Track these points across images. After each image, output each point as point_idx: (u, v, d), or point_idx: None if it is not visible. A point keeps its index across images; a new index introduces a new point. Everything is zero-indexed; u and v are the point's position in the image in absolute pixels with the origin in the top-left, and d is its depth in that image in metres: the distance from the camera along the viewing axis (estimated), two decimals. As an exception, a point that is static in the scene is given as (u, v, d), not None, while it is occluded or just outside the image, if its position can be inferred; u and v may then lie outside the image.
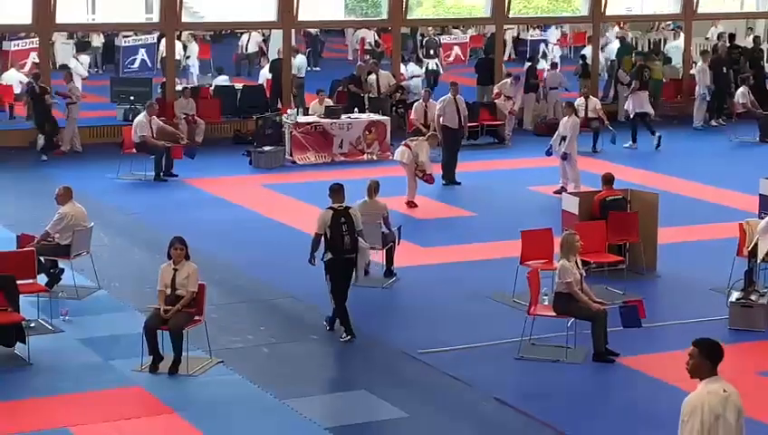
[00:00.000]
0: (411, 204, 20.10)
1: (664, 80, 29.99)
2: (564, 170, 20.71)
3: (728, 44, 30.91)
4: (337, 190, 14.00)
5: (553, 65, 30.13)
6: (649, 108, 26.29)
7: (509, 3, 29.00)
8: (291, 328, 14.17)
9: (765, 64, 31.45)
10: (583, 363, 12.79)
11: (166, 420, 11.37)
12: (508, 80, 27.25)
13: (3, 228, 17.99)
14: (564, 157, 20.62)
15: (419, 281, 15.88)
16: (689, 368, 7.95)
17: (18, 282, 13.11)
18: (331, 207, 13.82)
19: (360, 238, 13.76)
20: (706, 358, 7.91)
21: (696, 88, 28.55)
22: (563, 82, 28.80)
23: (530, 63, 29.41)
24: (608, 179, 16.40)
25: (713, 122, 28.71)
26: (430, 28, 36.25)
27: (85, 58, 33.89)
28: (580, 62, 31.01)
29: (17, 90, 27.05)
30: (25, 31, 29.63)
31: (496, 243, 17.40)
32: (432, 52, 32.62)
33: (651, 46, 35.25)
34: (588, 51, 31.21)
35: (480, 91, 28.87)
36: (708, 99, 28.37)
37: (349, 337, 13.55)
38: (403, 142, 20.73)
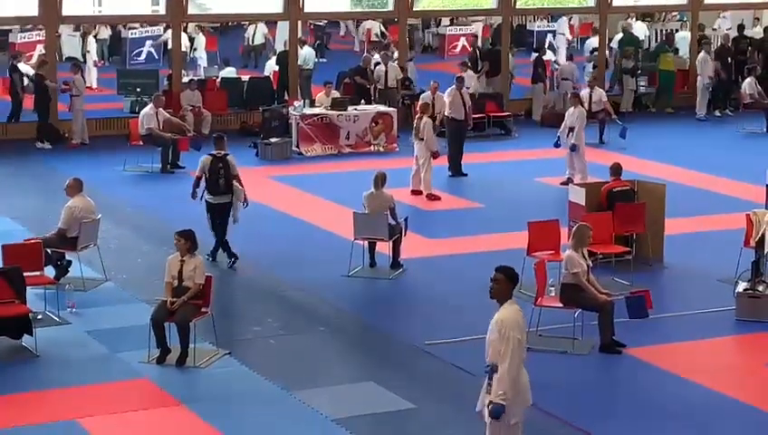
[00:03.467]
0: (432, 196, 19.99)
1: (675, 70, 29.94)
2: (571, 161, 20.68)
3: (737, 34, 30.81)
4: (218, 139, 16.03)
5: (569, 57, 29.96)
6: (499, 88, 28.02)
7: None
8: (298, 320, 14.17)
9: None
10: (590, 354, 12.79)
11: (173, 411, 11.38)
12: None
13: (11, 221, 18.00)
14: (573, 148, 20.58)
15: (426, 272, 15.88)
16: (494, 292, 9.01)
17: (25, 274, 13.13)
18: (211, 154, 15.71)
19: (235, 182, 15.62)
20: (510, 282, 8.97)
21: (698, 78, 28.50)
22: (576, 73, 28.73)
23: (537, 54, 29.32)
24: (616, 169, 16.37)
25: (717, 113, 28.68)
26: (427, 33, 35.95)
27: (93, 45, 33.70)
28: (595, 53, 30.65)
29: (25, 82, 26.99)
30: (32, 23, 29.57)
31: (503, 234, 17.38)
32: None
33: (663, 37, 35.07)
34: (595, 41, 31.00)
35: (486, 83, 28.77)
36: (710, 89, 28.37)
37: (233, 260, 15.71)
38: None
